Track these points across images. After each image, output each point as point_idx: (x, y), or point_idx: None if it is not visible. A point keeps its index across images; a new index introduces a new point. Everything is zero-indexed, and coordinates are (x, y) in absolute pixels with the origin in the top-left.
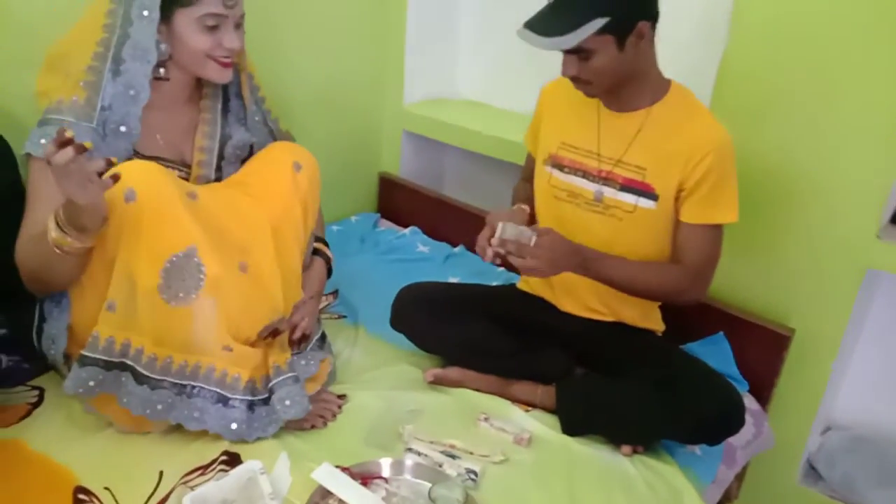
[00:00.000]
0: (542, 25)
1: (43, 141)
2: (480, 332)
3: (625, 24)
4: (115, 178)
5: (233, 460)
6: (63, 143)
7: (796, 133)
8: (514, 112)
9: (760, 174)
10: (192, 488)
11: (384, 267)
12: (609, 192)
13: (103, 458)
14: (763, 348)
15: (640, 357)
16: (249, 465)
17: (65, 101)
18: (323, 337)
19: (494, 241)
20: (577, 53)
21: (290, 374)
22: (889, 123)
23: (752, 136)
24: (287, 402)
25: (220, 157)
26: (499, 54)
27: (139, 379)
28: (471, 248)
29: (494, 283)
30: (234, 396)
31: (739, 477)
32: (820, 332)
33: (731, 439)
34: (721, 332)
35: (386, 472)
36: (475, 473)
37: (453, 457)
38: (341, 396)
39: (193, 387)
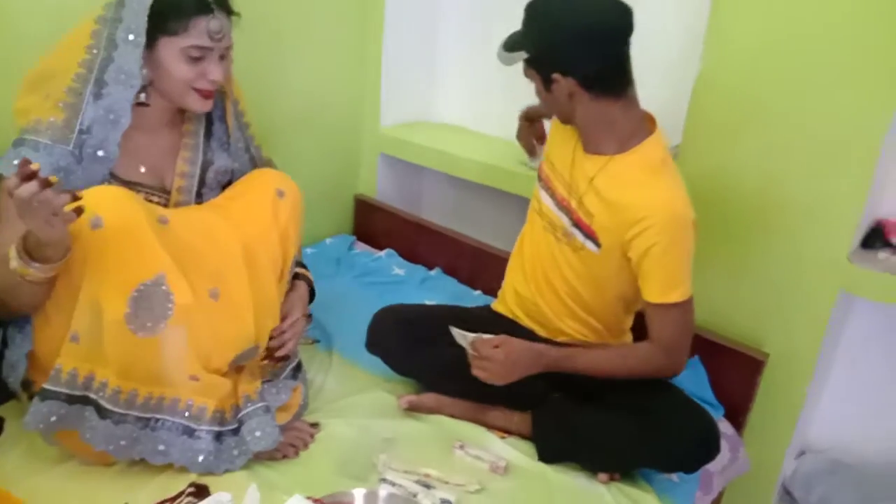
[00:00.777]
0: (507, 39)
1: (16, 162)
2: (456, 355)
3: (543, 68)
4: (79, 211)
5: (201, 492)
6: (27, 176)
7: (769, 154)
8: (492, 136)
9: (735, 196)
10: None
11: (360, 290)
12: (566, 221)
13: (64, 492)
14: (738, 372)
15: (616, 382)
16: (218, 498)
17: (42, 122)
18: (298, 366)
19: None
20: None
21: (260, 404)
22: (863, 146)
23: (725, 157)
24: (257, 434)
25: (202, 182)
26: (478, 79)
27: (102, 413)
28: (447, 270)
29: (472, 305)
30: (200, 427)
31: (716, 502)
32: (794, 355)
33: (707, 465)
34: (696, 356)
35: None
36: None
37: (428, 486)
38: (314, 425)
39: (157, 419)
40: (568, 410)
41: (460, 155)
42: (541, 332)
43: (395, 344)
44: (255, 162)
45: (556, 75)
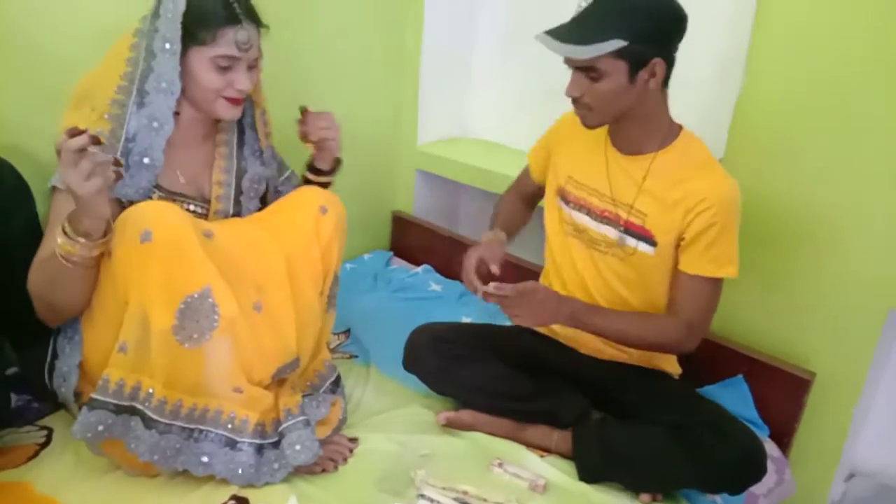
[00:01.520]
0: (562, 33)
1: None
2: (494, 375)
3: (641, 55)
4: (119, 175)
5: None
6: (77, 133)
7: (815, 174)
8: (527, 152)
9: (781, 214)
10: None
11: (396, 305)
12: (612, 233)
13: (110, 501)
14: (783, 392)
15: (658, 401)
16: None
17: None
18: (337, 380)
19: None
20: (588, 72)
21: (300, 418)
22: None
23: (770, 177)
24: (297, 447)
25: (238, 191)
26: (513, 95)
27: (148, 423)
28: None
29: (509, 324)
30: (242, 440)
31: None
32: (841, 375)
33: (752, 487)
34: (740, 375)
35: None
36: None
37: (466, 503)
38: (353, 439)
39: (201, 430)
40: (609, 429)
41: (496, 171)
42: (583, 351)
43: (432, 364)
44: (281, 169)
45: (657, 59)
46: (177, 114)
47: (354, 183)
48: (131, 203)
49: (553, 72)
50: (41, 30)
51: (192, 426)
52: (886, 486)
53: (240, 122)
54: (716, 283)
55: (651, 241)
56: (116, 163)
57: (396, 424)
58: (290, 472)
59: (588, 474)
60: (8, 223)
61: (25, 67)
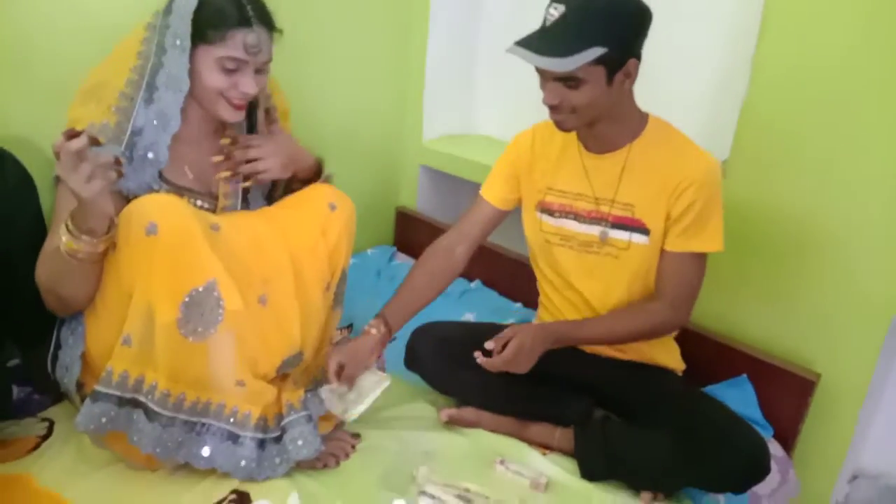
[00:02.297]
0: (539, 44)
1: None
2: (495, 375)
3: (619, 59)
4: (119, 172)
5: (243, 499)
6: (74, 134)
7: (819, 181)
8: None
9: (785, 220)
10: None
11: None
12: (597, 230)
13: (111, 495)
14: (788, 393)
15: (661, 399)
16: None
17: (96, 125)
18: None
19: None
20: (566, 81)
21: (303, 413)
22: None
23: (774, 184)
24: (299, 442)
25: (246, 188)
26: (516, 92)
27: (150, 416)
28: (487, 282)
29: (510, 322)
30: (244, 434)
31: None
32: (846, 377)
33: (755, 487)
34: (744, 375)
35: None
36: None
37: (468, 501)
38: (355, 436)
39: (204, 424)
40: (611, 427)
41: None
42: (585, 350)
43: (434, 363)
44: None
45: (632, 60)
46: (185, 110)
47: (359, 178)
48: (135, 196)
49: None
50: (41, 28)
51: (194, 419)
52: (890, 487)
53: (248, 119)
54: (700, 259)
55: (644, 230)
56: (117, 162)
57: (399, 421)
58: (292, 467)
59: (590, 472)
60: (12, 218)
61: (29, 62)
